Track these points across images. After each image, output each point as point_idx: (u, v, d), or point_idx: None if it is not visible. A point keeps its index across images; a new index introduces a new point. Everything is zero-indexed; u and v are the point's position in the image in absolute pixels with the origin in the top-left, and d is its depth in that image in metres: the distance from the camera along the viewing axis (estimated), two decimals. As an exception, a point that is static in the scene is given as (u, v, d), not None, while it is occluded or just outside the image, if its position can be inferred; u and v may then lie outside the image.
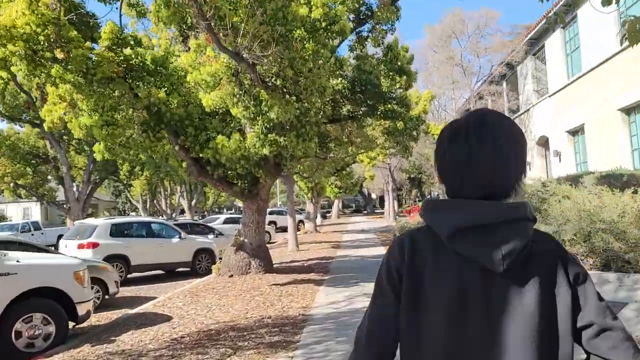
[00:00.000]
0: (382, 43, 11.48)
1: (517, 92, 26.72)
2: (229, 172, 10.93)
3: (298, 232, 27.76)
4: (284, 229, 35.27)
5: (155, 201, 40.18)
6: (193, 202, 45.54)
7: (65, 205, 31.14)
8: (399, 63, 11.45)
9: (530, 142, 25.39)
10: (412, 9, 70.66)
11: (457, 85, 27.09)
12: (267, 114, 8.94)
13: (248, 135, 9.63)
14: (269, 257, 12.45)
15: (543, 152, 25.20)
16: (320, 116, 11.05)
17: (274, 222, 31.65)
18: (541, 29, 23.44)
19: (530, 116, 25.41)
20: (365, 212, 68.30)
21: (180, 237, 15.01)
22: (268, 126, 9.46)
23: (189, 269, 15.18)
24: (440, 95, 27.03)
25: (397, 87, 11.47)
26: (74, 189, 32.68)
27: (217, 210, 68.68)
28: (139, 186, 37.01)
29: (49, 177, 33.63)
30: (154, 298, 11.48)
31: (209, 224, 21.31)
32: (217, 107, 9.04)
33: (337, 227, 34.01)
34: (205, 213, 51.47)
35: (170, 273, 15.45)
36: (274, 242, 24.81)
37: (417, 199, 50.90)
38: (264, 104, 8.82)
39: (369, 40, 11.44)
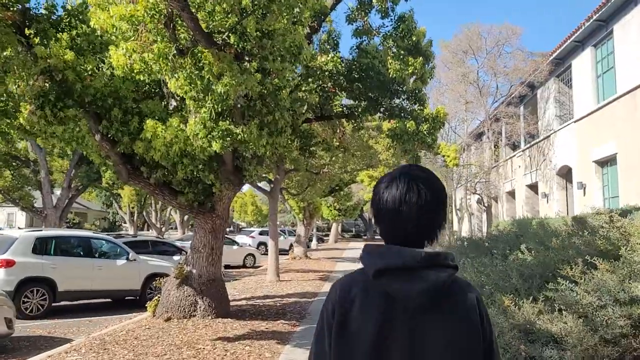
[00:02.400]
0: (393, 11, 8.19)
1: (536, 116, 23.51)
2: (173, 176, 7.64)
3: (286, 257, 24.26)
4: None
5: (144, 213, 36.73)
6: (186, 217, 42.27)
7: (42, 213, 27.97)
8: (413, 38, 8.11)
9: (550, 172, 22.11)
10: (426, 25, 67.45)
11: (471, 107, 23.88)
12: (214, 88, 5.70)
13: (190, 121, 6.37)
14: (225, 295, 8.97)
15: (564, 184, 21.83)
16: (304, 106, 7.79)
17: (265, 244, 28.11)
18: (568, 48, 20.37)
19: (550, 143, 22.12)
20: (365, 237, 64.44)
21: (128, 259, 11.63)
22: (219, 109, 6.19)
23: (137, 298, 11.76)
24: (452, 116, 23.79)
25: (410, 71, 8.09)
26: (57, 194, 29.59)
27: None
28: (127, 196, 33.73)
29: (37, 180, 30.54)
30: (68, 341, 8.12)
31: (177, 243, 17.84)
32: (136, 73, 5.81)
33: (332, 253, 30.40)
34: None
35: (121, 301, 12.03)
36: (258, 267, 21.28)
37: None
38: (206, 69, 5.58)
39: (373, 5, 8.17)
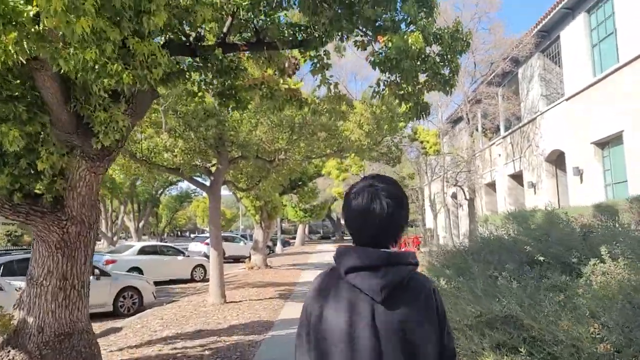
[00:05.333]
0: None
1: (518, 98, 20.33)
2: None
3: (242, 268, 20.23)
4: (236, 260, 27.53)
5: (92, 222, 31.87)
6: (141, 224, 37.73)
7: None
8: None
9: (537, 158, 18.90)
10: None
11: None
12: None
13: None
14: (95, 357, 4.90)
15: (554, 171, 18.62)
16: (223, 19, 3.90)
17: (222, 251, 23.89)
18: (555, 18, 17.16)
19: (536, 127, 18.92)
20: (334, 238, 60.56)
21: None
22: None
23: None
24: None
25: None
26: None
27: (178, 233, 60.13)
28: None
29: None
30: None
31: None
32: None
33: (298, 259, 26.39)
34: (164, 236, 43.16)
35: None
36: (209, 280, 17.13)
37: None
38: None
39: None
